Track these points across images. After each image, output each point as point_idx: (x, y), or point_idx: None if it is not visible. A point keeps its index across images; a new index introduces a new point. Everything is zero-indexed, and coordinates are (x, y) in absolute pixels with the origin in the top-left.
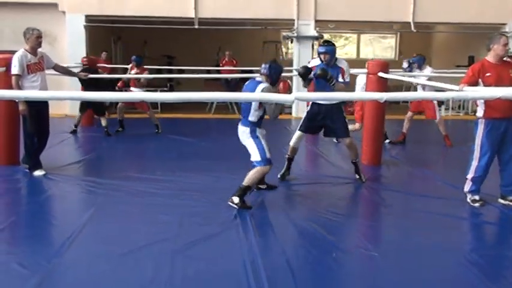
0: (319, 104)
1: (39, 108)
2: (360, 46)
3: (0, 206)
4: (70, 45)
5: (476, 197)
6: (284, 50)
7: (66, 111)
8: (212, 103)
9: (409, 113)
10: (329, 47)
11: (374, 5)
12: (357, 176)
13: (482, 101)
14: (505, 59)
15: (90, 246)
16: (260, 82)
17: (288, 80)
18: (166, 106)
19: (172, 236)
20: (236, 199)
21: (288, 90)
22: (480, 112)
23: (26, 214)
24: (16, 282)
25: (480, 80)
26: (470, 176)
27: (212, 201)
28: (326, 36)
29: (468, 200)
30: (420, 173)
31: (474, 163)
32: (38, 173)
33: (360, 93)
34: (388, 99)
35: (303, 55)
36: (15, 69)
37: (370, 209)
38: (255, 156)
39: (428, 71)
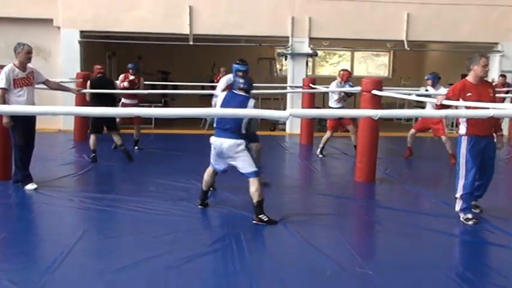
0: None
1: (25, 121)
2: (354, 63)
3: None
4: (64, 60)
5: (469, 215)
6: (278, 66)
7: (60, 126)
8: (206, 119)
9: (412, 130)
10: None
11: (368, 23)
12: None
13: (465, 119)
14: (498, 78)
15: (82, 262)
16: (248, 97)
17: None
18: (160, 122)
19: (166, 252)
20: (263, 216)
21: None
22: (463, 130)
23: (17, 230)
24: None
25: (461, 100)
26: (459, 194)
27: (205, 216)
28: (320, 54)
29: (461, 219)
30: (413, 190)
31: (461, 181)
32: (29, 187)
33: (355, 110)
34: (382, 116)
35: (297, 72)
36: (1, 83)
37: (364, 225)
38: (249, 167)
39: (442, 90)
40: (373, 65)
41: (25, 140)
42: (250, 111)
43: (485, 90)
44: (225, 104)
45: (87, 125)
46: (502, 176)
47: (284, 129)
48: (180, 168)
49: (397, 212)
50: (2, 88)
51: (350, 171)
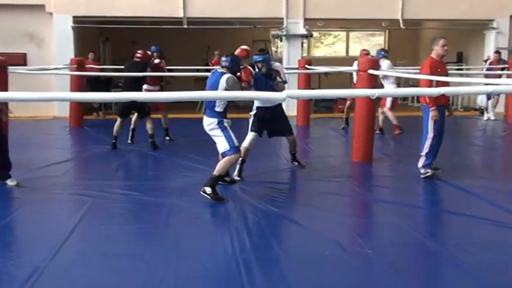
0: (265, 107)
1: None
2: (349, 44)
3: None
4: (57, 46)
5: (429, 171)
6: (273, 48)
7: (55, 113)
8: (202, 103)
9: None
10: (265, 56)
11: (363, 2)
12: (296, 163)
13: None
14: (493, 54)
15: (82, 249)
16: (223, 73)
17: (247, 66)
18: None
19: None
20: (208, 189)
21: (250, 75)
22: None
23: (14, 218)
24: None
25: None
26: (425, 152)
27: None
28: (315, 34)
29: (422, 176)
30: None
31: (429, 141)
32: (10, 182)
33: (352, 90)
34: (380, 95)
35: (292, 53)
36: None
37: (361, 205)
38: (224, 145)
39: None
40: (368, 45)
41: None
42: (239, 92)
43: (444, 66)
44: (207, 83)
45: (82, 111)
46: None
47: None
48: (176, 152)
49: (393, 191)
50: None
51: (347, 151)
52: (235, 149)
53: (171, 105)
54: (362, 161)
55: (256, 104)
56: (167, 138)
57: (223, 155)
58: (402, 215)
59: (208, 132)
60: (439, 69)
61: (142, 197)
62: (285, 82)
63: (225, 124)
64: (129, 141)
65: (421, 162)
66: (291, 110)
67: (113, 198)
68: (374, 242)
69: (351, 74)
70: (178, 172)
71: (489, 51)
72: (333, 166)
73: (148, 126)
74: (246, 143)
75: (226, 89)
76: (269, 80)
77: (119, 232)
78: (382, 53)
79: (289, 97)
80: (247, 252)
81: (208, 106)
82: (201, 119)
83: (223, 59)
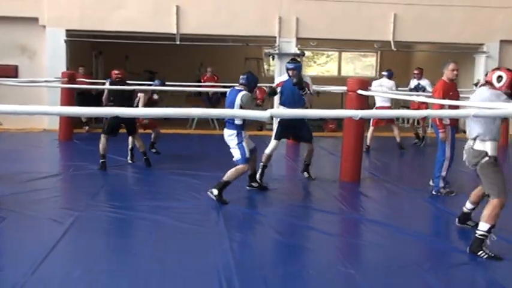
0: None
1: None
2: (341, 64)
3: None
4: (50, 59)
5: (450, 189)
6: (266, 66)
7: (45, 125)
8: (193, 119)
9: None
10: (297, 64)
11: (355, 23)
12: (306, 175)
13: None
14: (483, 78)
15: (64, 264)
16: (240, 90)
17: (263, 87)
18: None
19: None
20: (215, 191)
21: (265, 93)
22: (447, 121)
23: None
24: None
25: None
26: (444, 173)
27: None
28: (308, 54)
29: (443, 194)
30: (397, 188)
31: (447, 162)
32: None
33: (336, 110)
34: (363, 116)
35: (284, 72)
36: None
37: (347, 225)
38: (237, 155)
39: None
40: (361, 66)
41: None
42: (231, 111)
43: (455, 88)
44: (226, 99)
45: (72, 124)
46: None
47: (271, 129)
48: (168, 166)
49: (382, 211)
50: None
51: (336, 171)
52: (245, 160)
53: (162, 121)
54: (350, 180)
55: None
56: (153, 150)
57: (235, 163)
58: (387, 236)
59: (227, 142)
60: (451, 93)
61: (127, 212)
62: (312, 94)
63: (243, 136)
64: (129, 161)
65: (441, 182)
66: None
67: (97, 214)
68: (359, 263)
69: (342, 94)
70: (165, 188)
71: (479, 75)
72: (319, 185)
73: (139, 143)
74: (268, 150)
75: (240, 106)
76: (299, 89)
77: (101, 248)
78: (386, 73)
79: (274, 116)
80: (230, 271)
81: (228, 120)
82: (191, 136)
83: (241, 76)
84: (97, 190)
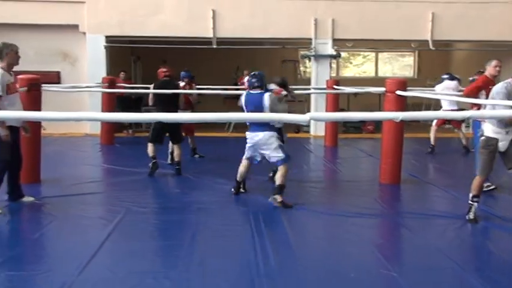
0: None
1: (15, 133)
2: (378, 64)
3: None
4: (90, 65)
5: (490, 184)
6: (302, 68)
7: (87, 130)
8: (230, 122)
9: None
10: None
11: (392, 23)
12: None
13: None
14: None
15: (109, 265)
16: (263, 93)
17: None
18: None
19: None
20: (278, 197)
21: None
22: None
23: (45, 234)
24: None
25: (483, 91)
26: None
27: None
28: (344, 55)
29: (485, 189)
30: (439, 192)
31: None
32: (26, 199)
33: (376, 113)
34: (404, 118)
35: (320, 73)
36: None
37: (387, 227)
38: (279, 154)
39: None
40: (398, 66)
41: (11, 155)
42: (268, 115)
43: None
44: (247, 105)
45: (113, 129)
46: None
47: (308, 131)
48: (205, 170)
49: (421, 215)
50: None
51: (375, 172)
52: (288, 157)
53: (199, 124)
54: (390, 182)
55: None
56: (196, 156)
57: (276, 164)
58: (428, 238)
59: (264, 146)
60: (490, 87)
61: (169, 214)
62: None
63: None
64: (169, 162)
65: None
66: (319, 130)
67: (140, 216)
68: (400, 265)
69: (379, 95)
70: (205, 190)
71: None
72: (359, 187)
73: (177, 151)
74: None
75: (271, 108)
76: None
77: (145, 249)
78: (447, 76)
79: (313, 119)
80: (271, 272)
81: (262, 124)
82: (228, 138)
83: (252, 80)
84: (140, 193)
